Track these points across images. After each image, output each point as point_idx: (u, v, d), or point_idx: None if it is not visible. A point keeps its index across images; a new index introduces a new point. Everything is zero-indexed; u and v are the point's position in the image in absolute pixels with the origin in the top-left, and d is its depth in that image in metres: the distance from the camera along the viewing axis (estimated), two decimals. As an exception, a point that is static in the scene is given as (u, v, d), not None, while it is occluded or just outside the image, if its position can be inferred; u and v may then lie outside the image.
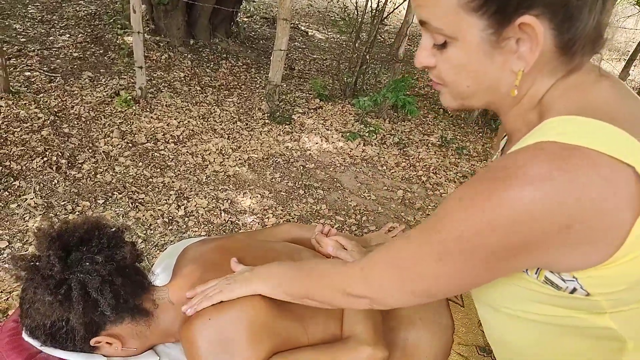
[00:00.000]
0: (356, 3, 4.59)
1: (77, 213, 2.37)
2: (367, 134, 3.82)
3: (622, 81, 0.63)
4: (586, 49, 0.57)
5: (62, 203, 2.41)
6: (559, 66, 0.59)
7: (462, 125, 4.53)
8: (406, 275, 0.65)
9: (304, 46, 6.27)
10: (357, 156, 3.53)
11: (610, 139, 0.51)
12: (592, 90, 0.59)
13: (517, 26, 0.54)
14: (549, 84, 0.60)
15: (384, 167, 3.46)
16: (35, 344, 0.90)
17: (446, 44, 0.60)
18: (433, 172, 3.50)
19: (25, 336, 0.91)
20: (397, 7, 4.74)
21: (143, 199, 2.57)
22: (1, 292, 1.85)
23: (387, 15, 4.57)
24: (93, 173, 2.70)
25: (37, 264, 0.86)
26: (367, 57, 4.49)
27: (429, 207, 3.05)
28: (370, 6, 4.39)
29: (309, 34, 6.92)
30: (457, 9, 0.55)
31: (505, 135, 0.81)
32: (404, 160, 3.61)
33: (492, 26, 0.55)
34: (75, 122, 3.16)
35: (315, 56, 5.91)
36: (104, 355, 0.94)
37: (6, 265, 1.96)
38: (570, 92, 0.59)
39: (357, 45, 4.54)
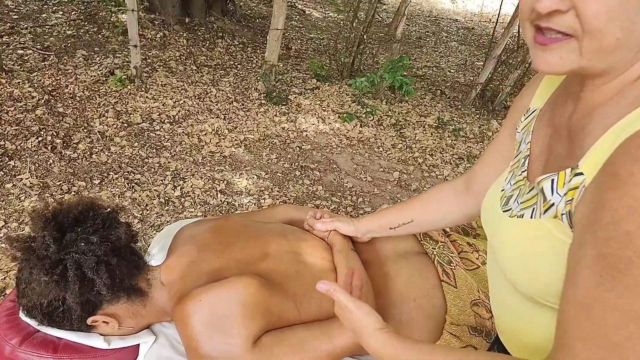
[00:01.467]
0: (354, -19, 4.52)
1: (72, 193, 2.37)
2: (363, 115, 3.81)
3: None
4: None
5: (58, 183, 2.41)
6: None
7: (459, 106, 4.51)
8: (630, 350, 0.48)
9: (301, 25, 6.19)
10: (353, 137, 3.52)
11: None
12: None
13: None
14: None
15: (381, 149, 3.46)
16: (33, 323, 0.92)
17: None
18: (429, 154, 3.50)
19: (22, 316, 0.92)
20: (395, -14, 4.67)
21: (139, 179, 2.57)
22: (-2, 271, 1.86)
23: (386, -6, 4.51)
24: (88, 153, 2.69)
25: (33, 244, 0.86)
26: (365, 36, 4.44)
27: (424, 188, 3.05)
28: (369, -15, 4.33)
29: (307, 12, 6.83)
30: None
31: (533, 111, 0.76)
32: (400, 141, 3.60)
33: None
34: (70, 102, 3.13)
35: (312, 35, 5.84)
36: (101, 334, 0.95)
37: (2, 245, 1.96)
38: None
39: (354, 24, 4.48)
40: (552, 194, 0.61)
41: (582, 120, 0.61)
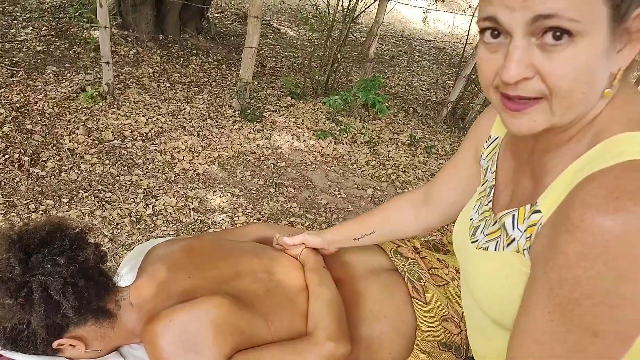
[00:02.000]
0: (328, 1, 4.61)
1: (40, 212, 2.31)
2: (338, 133, 3.85)
3: None
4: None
5: (25, 202, 2.35)
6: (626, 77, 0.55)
7: (431, 124, 4.61)
8: None
9: (275, 43, 6.25)
10: (328, 154, 3.55)
11: None
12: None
13: (633, 17, 0.49)
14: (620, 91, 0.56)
15: (355, 166, 3.50)
16: (-5, 347, 0.89)
17: (572, 35, 0.49)
18: (402, 171, 3.56)
19: (-16, 340, 0.89)
20: (368, 7, 4.77)
21: (110, 197, 2.53)
22: (-41, 294, 1.79)
23: (359, 14, 4.60)
24: (57, 171, 2.63)
25: (-4, 266, 0.84)
26: (339, 55, 4.52)
27: (398, 205, 3.08)
28: (342, 5, 4.42)
29: (281, 31, 6.90)
30: None
31: (495, 138, 0.80)
32: (374, 158, 3.65)
33: (615, 19, 0.49)
34: (39, 118, 3.07)
35: (287, 54, 5.90)
36: (68, 358, 0.93)
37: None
38: (624, 102, 0.56)
39: (328, 43, 4.56)
40: (513, 229, 0.64)
41: (543, 157, 0.63)
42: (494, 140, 0.81)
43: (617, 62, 0.53)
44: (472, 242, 0.75)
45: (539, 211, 0.59)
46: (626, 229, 0.46)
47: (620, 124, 0.54)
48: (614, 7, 0.48)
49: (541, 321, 0.54)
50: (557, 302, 0.52)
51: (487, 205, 0.76)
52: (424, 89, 5.66)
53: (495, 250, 0.68)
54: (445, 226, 2.77)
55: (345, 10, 4.41)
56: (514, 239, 0.64)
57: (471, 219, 0.79)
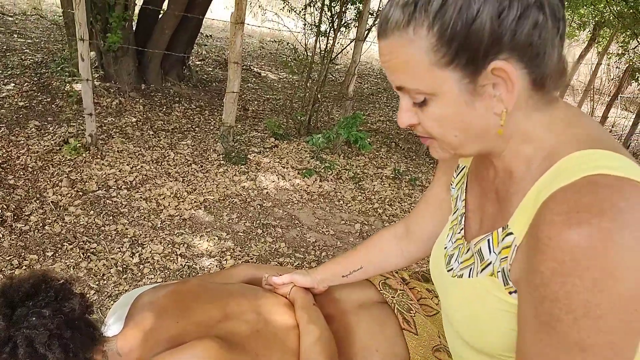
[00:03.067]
0: (305, 45, 4.75)
1: (24, 267, 2.27)
2: (322, 170, 3.89)
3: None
4: (557, 83, 0.61)
5: (8, 258, 2.31)
6: (539, 101, 0.61)
7: (414, 157, 4.69)
8: None
9: (257, 87, 6.37)
10: (314, 192, 3.58)
11: (636, 169, 0.53)
12: (583, 122, 0.62)
13: (490, 72, 0.56)
14: (536, 118, 0.62)
15: (341, 202, 3.52)
16: (-22, 407, 0.86)
17: (426, 101, 0.61)
18: (388, 204, 3.59)
19: (-33, 400, 0.87)
20: (344, 48, 4.93)
21: (95, 248, 2.50)
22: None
23: (336, 55, 4.75)
24: (41, 224, 2.61)
25: (-20, 323, 0.83)
26: (319, 95, 4.62)
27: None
28: (319, 47, 4.56)
29: (262, 75, 7.06)
30: (430, 67, 0.58)
31: (462, 168, 0.84)
32: (360, 194, 3.68)
33: (467, 76, 0.57)
34: (22, 173, 3.06)
35: (268, 96, 6.01)
36: (54, 414, 0.90)
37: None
38: (568, 126, 0.61)
39: (308, 84, 4.67)
40: (490, 253, 0.67)
41: (505, 183, 0.68)
42: (462, 169, 0.85)
43: (496, 105, 0.59)
44: (447, 271, 0.77)
45: (511, 233, 0.62)
46: (591, 241, 0.49)
47: (571, 145, 0.59)
48: (462, 69, 0.57)
49: (531, 343, 0.57)
50: (541, 320, 0.54)
51: (459, 233, 0.78)
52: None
53: (469, 277, 0.70)
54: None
55: (323, 52, 4.55)
56: (489, 263, 0.66)
57: (445, 248, 0.81)
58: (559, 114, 0.63)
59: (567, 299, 0.51)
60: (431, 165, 4.53)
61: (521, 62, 0.57)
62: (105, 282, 2.28)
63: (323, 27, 4.56)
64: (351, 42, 4.54)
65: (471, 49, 0.56)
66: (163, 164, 3.57)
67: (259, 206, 3.24)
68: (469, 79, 0.58)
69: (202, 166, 3.65)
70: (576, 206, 0.51)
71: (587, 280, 0.49)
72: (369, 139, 4.19)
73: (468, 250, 0.73)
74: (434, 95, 0.60)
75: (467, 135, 0.63)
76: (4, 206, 2.67)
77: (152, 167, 3.47)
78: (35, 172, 3.09)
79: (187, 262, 2.52)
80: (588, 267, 0.49)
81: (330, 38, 4.50)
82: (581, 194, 0.52)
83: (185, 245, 2.66)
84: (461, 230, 0.78)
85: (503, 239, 0.64)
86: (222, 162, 3.74)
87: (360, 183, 3.85)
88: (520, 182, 0.64)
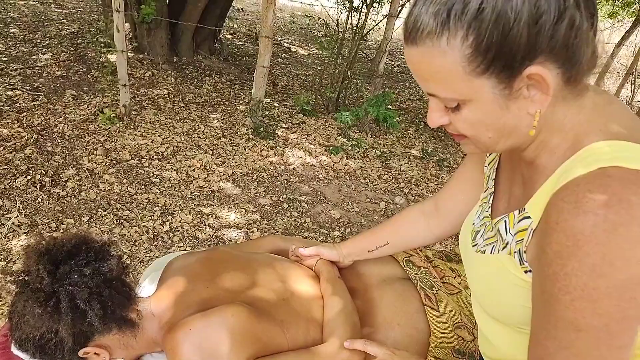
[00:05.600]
0: (337, 20, 4.70)
1: (61, 231, 2.38)
2: (349, 148, 3.89)
3: (612, 95, 0.67)
4: (588, 74, 0.60)
5: (47, 221, 2.42)
6: (569, 94, 0.61)
7: (443, 137, 4.63)
8: None
9: (287, 62, 6.36)
10: (340, 169, 3.59)
11: None
12: (611, 111, 0.62)
13: (526, 77, 0.56)
14: (565, 110, 0.62)
15: (367, 180, 3.53)
16: (25, 356, 0.93)
17: (459, 106, 0.61)
18: (415, 184, 3.58)
19: (14, 349, 0.93)
20: (377, 24, 4.85)
21: (128, 215, 2.59)
22: (-15, 311, 1.85)
23: (368, 31, 4.68)
24: (77, 191, 2.71)
25: (27, 277, 0.89)
26: (349, 72, 4.59)
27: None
28: (351, 23, 4.50)
29: (292, 50, 7.03)
30: (464, 77, 0.57)
31: (495, 157, 0.85)
32: (386, 172, 3.68)
33: (502, 82, 0.57)
34: (59, 141, 3.17)
35: (298, 72, 6.00)
36: (92, 367, 0.96)
37: (-10, 284, 1.96)
38: (594, 115, 0.61)
39: (338, 61, 4.64)
40: (506, 233, 0.69)
41: (528, 169, 0.69)
42: None
43: (529, 106, 0.59)
44: (473, 246, 0.79)
45: (528, 217, 0.64)
46: (594, 230, 0.51)
47: (594, 134, 0.59)
48: (497, 76, 0.56)
49: (536, 318, 0.61)
50: (544, 299, 0.58)
51: (487, 211, 0.80)
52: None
53: (491, 253, 0.72)
54: (457, 236, 2.78)
55: (354, 28, 4.49)
56: (507, 243, 0.69)
57: (473, 224, 0.83)
58: (587, 102, 0.63)
59: (566, 280, 0.54)
60: (459, 146, 4.46)
61: (556, 62, 0.56)
62: (137, 248, 2.37)
63: (355, 2, 4.49)
64: (384, 18, 4.47)
65: (507, 57, 0.55)
66: (193, 136, 3.63)
67: (285, 181, 3.28)
68: (504, 85, 0.57)
69: (231, 140, 3.70)
70: (586, 196, 0.53)
71: (586, 265, 0.52)
72: (397, 118, 4.15)
73: (492, 228, 0.75)
74: (468, 101, 0.60)
75: (500, 135, 0.63)
76: (43, 172, 2.78)
77: (183, 139, 3.54)
78: (71, 140, 3.20)
79: (214, 232, 2.59)
80: (588, 254, 0.52)
81: (362, 14, 4.44)
82: (593, 184, 0.53)
83: (214, 216, 2.73)
84: (489, 208, 0.79)
85: (519, 221, 0.66)
86: (250, 136, 3.78)
87: (387, 162, 3.84)
88: (542, 170, 0.65)
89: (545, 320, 0.58)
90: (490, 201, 0.80)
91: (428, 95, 0.64)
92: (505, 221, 0.70)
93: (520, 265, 0.65)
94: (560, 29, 0.54)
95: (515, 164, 0.75)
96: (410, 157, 4.03)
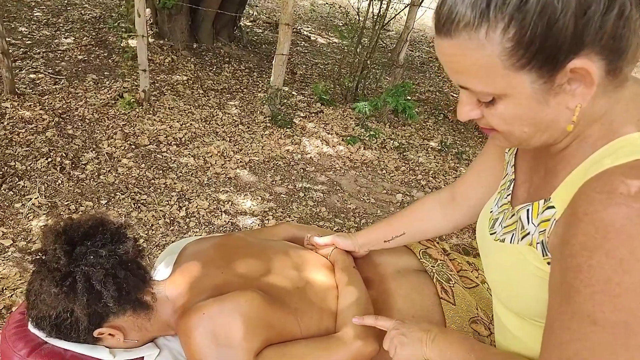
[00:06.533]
0: (358, 9, 4.64)
1: (80, 213, 2.41)
2: (367, 138, 3.86)
3: None
4: (631, 65, 0.58)
5: (66, 203, 2.46)
6: (609, 85, 0.57)
7: (462, 130, 4.56)
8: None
9: (306, 51, 6.32)
10: (357, 160, 3.57)
11: None
12: None
13: (569, 71, 0.53)
14: (604, 101, 0.59)
15: (384, 171, 3.50)
16: (41, 335, 0.94)
17: (494, 100, 0.58)
18: (432, 177, 3.54)
19: (31, 327, 0.95)
20: (398, 13, 4.78)
21: (145, 199, 2.61)
22: (5, 289, 1.89)
23: (389, 21, 4.62)
24: (96, 174, 2.74)
25: (44, 257, 0.90)
26: (368, 62, 4.54)
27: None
28: (372, 12, 4.44)
29: (312, 38, 6.98)
30: (503, 71, 0.54)
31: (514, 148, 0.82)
32: (403, 164, 3.64)
33: (543, 76, 0.54)
34: (80, 124, 3.21)
35: (317, 61, 5.96)
36: (107, 347, 0.97)
37: (10, 263, 2.00)
38: (632, 105, 0.58)
39: (358, 50, 4.59)
40: (528, 223, 0.67)
41: (554, 158, 0.66)
42: None
43: (570, 100, 0.56)
44: (490, 234, 0.76)
45: (552, 207, 0.62)
46: (626, 223, 0.49)
47: (630, 125, 0.56)
48: (538, 70, 0.53)
49: (552, 308, 0.59)
50: (563, 289, 0.56)
51: (506, 198, 0.77)
52: (454, 95, 5.61)
53: (510, 242, 0.70)
54: (475, 229, 2.74)
55: (375, 17, 4.43)
56: (528, 233, 0.66)
57: (491, 212, 0.81)
58: (626, 93, 0.59)
59: (589, 272, 0.52)
60: (479, 139, 4.40)
61: (601, 54, 0.53)
62: (153, 232, 2.39)
63: (377, -9, 4.43)
64: (405, 7, 4.40)
65: (551, 51, 0.51)
66: (211, 123, 3.64)
67: (302, 170, 3.27)
68: (545, 79, 0.54)
69: (249, 127, 3.70)
70: (619, 187, 0.50)
71: (613, 258, 0.50)
72: (416, 109, 4.10)
73: (512, 215, 0.73)
74: (504, 96, 0.57)
75: (536, 130, 0.60)
76: (63, 154, 2.82)
77: (201, 125, 3.55)
78: (92, 124, 3.23)
79: (230, 219, 2.60)
80: (617, 247, 0.49)
81: (383, 2, 4.37)
82: (628, 176, 0.50)
83: (230, 202, 2.74)
84: (508, 195, 0.77)
85: (543, 211, 0.63)
86: (268, 124, 3.78)
87: (404, 153, 3.81)
88: (569, 159, 0.62)
89: (561, 310, 0.56)
90: (511, 188, 0.78)
91: (459, 87, 0.61)
92: (528, 210, 0.68)
93: (544, 256, 0.63)
94: (609, 19, 0.50)
95: (537, 152, 0.72)
96: (429, 149, 3.98)
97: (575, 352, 0.55)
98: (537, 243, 0.64)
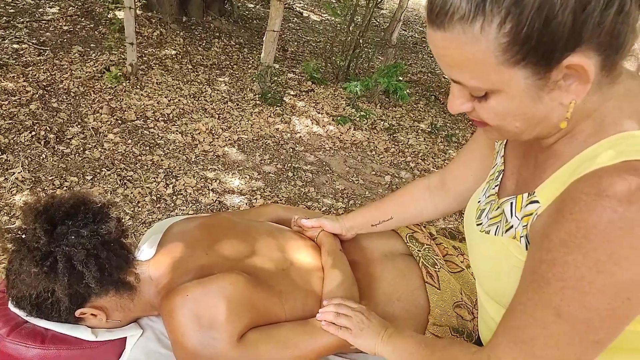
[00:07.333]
0: (351, -14, 4.55)
1: (65, 188, 2.37)
2: (357, 119, 3.84)
3: None
4: (624, 59, 0.56)
5: (50, 178, 2.41)
6: (603, 80, 0.56)
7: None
8: (534, 348, 0.58)
9: (298, 27, 6.22)
10: (347, 140, 3.55)
11: None
12: None
13: (565, 67, 0.52)
14: (597, 96, 0.57)
15: (373, 152, 3.49)
16: (21, 314, 0.93)
17: (487, 95, 0.57)
18: (421, 159, 3.54)
19: (11, 306, 0.93)
20: (392, -9, 4.71)
21: (131, 176, 2.58)
22: (-12, 264, 1.87)
23: (383, -1, 4.55)
24: (82, 149, 2.69)
25: (24, 236, 0.88)
26: (361, 40, 4.48)
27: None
28: (366, -11, 4.37)
29: (304, 15, 6.86)
30: (497, 66, 0.53)
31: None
32: (393, 145, 3.63)
33: (538, 73, 0.52)
34: (65, 97, 3.13)
35: (309, 38, 5.87)
36: (89, 327, 0.96)
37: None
38: (626, 101, 0.57)
39: (351, 28, 4.52)
40: (512, 216, 0.66)
41: (543, 152, 0.66)
42: None
43: (564, 96, 0.55)
44: (477, 225, 0.76)
45: (536, 201, 0.61)
46: (608, 226, 0.49)
47: (621, 123, 0.56)
48: (533, 66, 0.52)
49: (519, 295, 0.60)
50: (534, 278, 0.57)
51: (494, 189, 0.77)
52: (446, 77, 5.58)
53: (495, 234, 0.70)
54: (462, 214, 2.76)
55: (369, -6, 4.36)
56: (512, 226, 0.66)
57: (479, 202, 0.81)
58: (620, 89, 0.58)
59: (563, 268, 0.53)
60: (470, 123, 4.40)
61: (598, 50, 0.51)
62: (140, 209, 2.36)
63: (372, -32, 4.34)
64: (400, -15, 4.33)
65: (547, 47, 0.50)
66: (200, 99, 3.58)
67: (291, 149, 3.25)
68: (540, 76, 0.53)
69: (238, 104, 3.65)
70: (606, 190, 0.50)
71: (590, 259, 0.50)
72: (408, 90, 4.07)
73: (498, 207, 0.72)
74: (498, 91, 0.56)
75: (528, 125, 0.59)
76: (48, 128, 2.76)
77: (189, 101, 3.49)
78: (77, 97, 3.16)
79: (218, 197, 2.58)
80: (595, 249, 0.50)
81: (378, -20, 4.30)
82: (616, 178, 0.50)
83: (217, 181, 2.71)
84: (496, 186, 0.77)
85: (527, 205, 0.63)
86: (257, 102, 3.73)
87: (394, 135, 3.79)
88: (559, 155, 0.62)
89: (527, 297, 0.58)
90: (499, 179, 0.77)
91: (451, 81, 0.59)
92: (511, 203, 0.67)
93: (527, 249, 0.63)
94: (608, 15, 0.49)
95: (528, 144, 0.71)
96: (419, 130, 3.97)
97: (531, 337, 0.57)
98: (521, 237, 0.64)
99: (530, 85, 0.54)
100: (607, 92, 0.58)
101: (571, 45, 0.50)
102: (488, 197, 0.78)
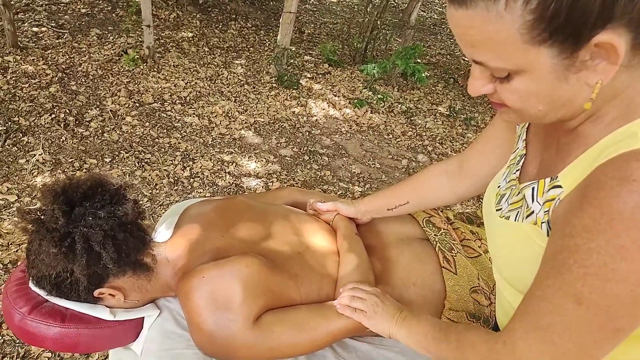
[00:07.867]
0: (370, -35, 4.47)
1: (84, 170, 2.41)
2: (374, 102, 3.79)
3: None
4: None
5: (70, 160, 2.45)
6: (632, 59, 0.53)
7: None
8: (553, 335, 0.56)
9: (314, 9, 6.14)
10: (363, 124, 3.52)
11: None
12: None
13: (593, 45, 0.49)
14: (625, 76, 0.55)
15: (390, 136, 3.45)
16: (42, 293, 0.94)
17: (510, 76, 0.55)
18: (439, 142, 3.49)
19: (31, 286, 0.95)
20: (411, -29, 4.60)
21: (149, 158, 2.60)
22: (11, 244, 1.91)
23: (401, -21, 4.45)
24: (100, 131, 2.72)
25: (42, 217, 0.89)
26: (379, 22, 4.40)
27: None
28: (384, -31, 4.28)
29: (321, -4, 6.77)
30: (522, 45, 0.50)
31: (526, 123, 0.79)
32: (410, 129, 3.59)
33: (565, 52, 0.50)
34: (83, 80, 3.16)
35: (325, 20, 5.80)
36: (107, 306, 0.98)
37: (15, 219, 2.01)
38: None
39: (368, 9, 4.44)
40: (533, 201, 0.65)
41: (567, 135, 0.64)
42: None
43: (590, 76, 0.52)
44: (496, 210, 0.74)
45: (559, 186, 0.59)
46: (634, 212, 0.47)
47: None
48: (560, 45, 0.49)
49: (539, 281, 0.59)
50: (554, 264, 0.56)
51: (514, 174, 0.75)
52: (465, 59, 5.47)
53: (515, 220, 0.68)
54: (480, 198, 2.72)
55: (388, -26, 4.27)
56: (533, 212, 0.64)
57: (499, 186, 0.78)
58: None
59: (586, 254, 0.51)
60: (489, 106, 4.31)
61: (629, 27, 0.49)
62: (157, 191, 2.39)
63: (391, -53, 4.24)
64: (419, -35, 4.22)
65: (576, 24, 0.47)
66: (217, 82, 3.58)
67: (307, 132, 3.23)
68: (567, 55, 0.50)
69: (254, 87, 3.64)
70: (633, 174, 0.48)
71: (613, 246, 0.49)
72: (426, 73, 4.01)
73: (519, 192, 0.70)
74: (522, 71, 0.53)
75: (552, 107, 0.56)
76: (67, 111, 2.79)
77: (206, 84, 3.49)
78: (95, 80, 3.19)
79: (234, 180, 2.59)
80: (619, 235, 0.48)
81: (397, -41, 4.20)
82: None
83: (234, 164, 2.72)
84: (517, 171, 0.74)
85: (549, 190, 0.61)
86: (274, 84, 3.71)
87: (412, 118, 3.75)
88: (584, 138, 0.59)
89: (548, 283, 0.56)
90: (520, 163, 0.75)
91: (472, 62, 0.57)
92: (533, 188, 0.65)
93: (548, 236, 0.61)
94: None
95: (551, 127, 0.69)
96: (437, 114, 3.91)
97: (550, 324, 0.56)
98: (542, 222, 0.62)
99: (556, 65, 0.51)
100: (636, 73, 0.55)
101: (601, 22, 0.47)
102: (509, 182, 0.76)
